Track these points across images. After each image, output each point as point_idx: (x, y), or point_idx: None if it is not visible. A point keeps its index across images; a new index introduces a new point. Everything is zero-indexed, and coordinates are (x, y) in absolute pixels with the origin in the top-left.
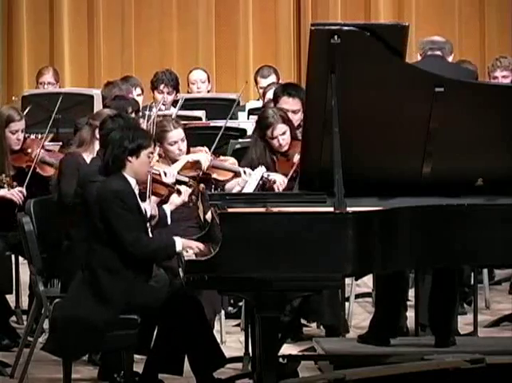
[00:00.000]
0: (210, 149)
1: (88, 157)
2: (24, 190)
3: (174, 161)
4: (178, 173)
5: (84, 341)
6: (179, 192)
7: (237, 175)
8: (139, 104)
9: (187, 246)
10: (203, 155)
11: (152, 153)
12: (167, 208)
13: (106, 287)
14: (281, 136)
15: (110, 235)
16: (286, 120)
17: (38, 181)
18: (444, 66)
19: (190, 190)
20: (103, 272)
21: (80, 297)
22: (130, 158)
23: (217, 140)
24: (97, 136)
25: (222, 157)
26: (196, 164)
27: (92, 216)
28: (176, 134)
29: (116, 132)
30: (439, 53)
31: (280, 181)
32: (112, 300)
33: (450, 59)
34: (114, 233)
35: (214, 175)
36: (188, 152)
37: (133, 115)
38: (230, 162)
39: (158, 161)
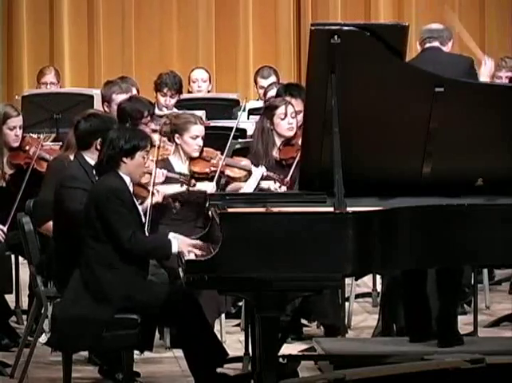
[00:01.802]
0: (215, 150)
1: None
2: (5, 229)
3: (188, 156)
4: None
5: (85, 335)
6: (152, 194)
7: (249, 173)
8: (154, 107)
9: (185, 250)
10: (209, 186)
11: (148, 154)
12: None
13: (104, 282)
14: (292, 117)
15: (107, 232)
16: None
17: (36, 177)
18: (441, 58)
19: (164, 192)
20: (101, 268)
21: (78, 294)
22: (124, 159)
23: (229, 143)
24: None
25: (236, 158)
26: (209, 162)
27: (88, 215)
28: (200, 129)
29: (112, 132)
30: (436, 43)
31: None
32: (111, 294)
33: (449, 45)
34: (111, 230)
35: (227, 172)
36: (202, 151)
37: (148, 118)
38: (244, 163)
39: (164, 159)
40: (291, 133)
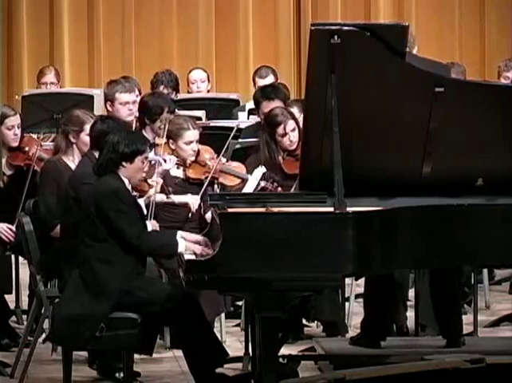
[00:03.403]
0: (214, 150)
1: (69, 161)
2: (14, 227)
3: (184, 161)
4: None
5: (85, 331)
6: (151, 186)
7: (244, 181)
8: (175, 105)
9: (192, 248)
10: (191, 199)
11: (147, 158)
12: (142, 201)
13: (103, 278)
14: (292, 132)
15: (112, 232)
16: (295, 118)
17: (35, 178)
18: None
19: (160, 182)
20: (100, 264)
21: (78, 292)
22: (124, 163)
23: (225, 148)
24: (72, 140)
25: (231, 162)
26: (204, 167)
27: (88, 214)
28: (194, 134)
29: (113, 135)
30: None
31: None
32: (110, 288)
33: (414, 51)
34: (117, 230)
35: (221, 180)
36: (198, 154)
37: (168, 115)
38: (239, 168)
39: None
40: (293, 147)
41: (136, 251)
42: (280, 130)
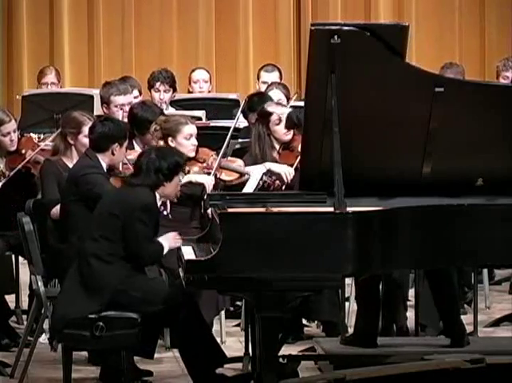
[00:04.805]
0: (213, 149)
1: (69, 162)
2: None
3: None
4: None
5: (83, 327)
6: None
7: (243, 176)
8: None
9: (173, 244)
10: (206, 179)
11: (182, 173)
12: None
13: (99, 275)
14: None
15: (128, 240)
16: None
17: (32, 181)
18: None
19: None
20: (99, 261)
21: (75, 287)
22: (165, 183)
23: (224, 146)
24: (71, 141)
25: (230, 158)
26: (203, 163)
27: (110, 213)
28: (192, 128)
29: (154, 159)
30: None
31: (286, 172)
32: (105, 286)
33: None
34: (131, 239)
35: (222, 176)
36: (197, 152)
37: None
38: (238, 163)
39: None
40: (289, 137)
41: (138, 259)
42: (275, 116)
